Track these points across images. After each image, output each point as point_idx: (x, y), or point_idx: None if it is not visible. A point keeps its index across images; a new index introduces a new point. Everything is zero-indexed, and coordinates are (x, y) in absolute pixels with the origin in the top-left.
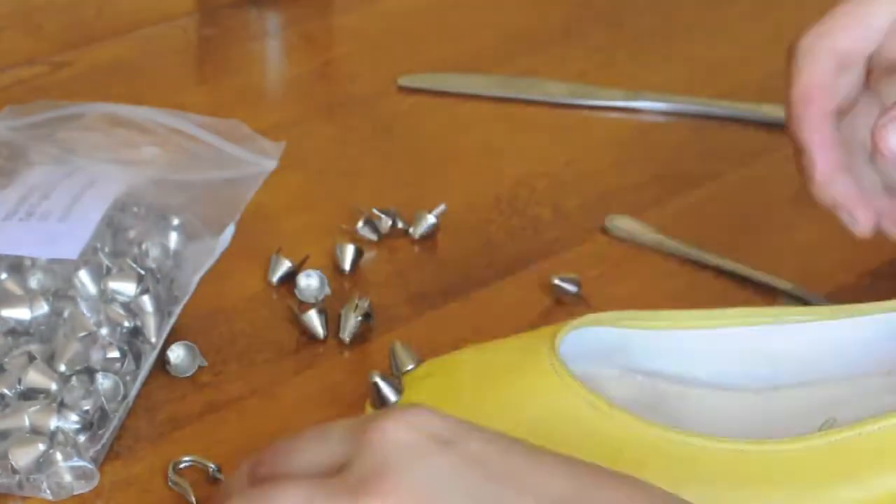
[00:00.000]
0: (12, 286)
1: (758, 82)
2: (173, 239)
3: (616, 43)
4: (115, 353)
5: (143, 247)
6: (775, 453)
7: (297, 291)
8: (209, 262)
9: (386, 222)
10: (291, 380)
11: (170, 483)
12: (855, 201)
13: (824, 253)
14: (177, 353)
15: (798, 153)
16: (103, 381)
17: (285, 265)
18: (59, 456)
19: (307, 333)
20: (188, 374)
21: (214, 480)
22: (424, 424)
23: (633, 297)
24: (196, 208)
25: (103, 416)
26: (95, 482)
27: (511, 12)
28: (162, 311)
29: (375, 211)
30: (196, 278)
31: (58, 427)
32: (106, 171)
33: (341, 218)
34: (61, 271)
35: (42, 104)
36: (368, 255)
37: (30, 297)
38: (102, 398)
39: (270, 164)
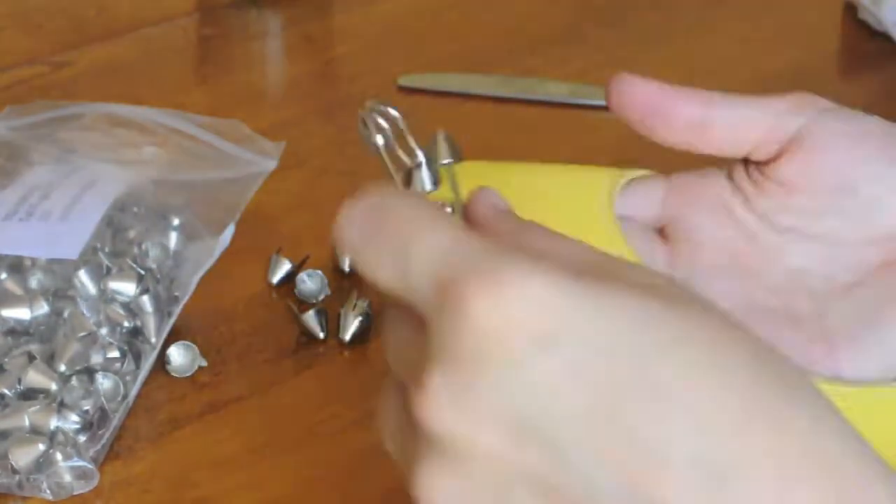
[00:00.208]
0: (12, 286)
1: (757, 82)
2: (173, 239)
3: (616, 43)
4: (115, 353)
5: (143, 247)
6: None
7: (297, 291)
8: (209, 262)
9: None
10: (291, 380)
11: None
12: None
13: None
14: (177, 353)
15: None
16: (103, 381)
17: (285, 265)
18: (59, 456)
19: (307, 333)
20: (188, 374)
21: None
22: (528, 310)
23: None
24: (196, 208)
25: (103, 416)
26: (95, 482)
27: (511, 12)
28: (162, 311)
29: None
30: (196, 278)
31: (58, 427)
32: (106, 171)
33: None
34: (61, 271)
35: (42, 104)
36: None
37: (30, 297)
38: (102, 398)
39: (270, 164)
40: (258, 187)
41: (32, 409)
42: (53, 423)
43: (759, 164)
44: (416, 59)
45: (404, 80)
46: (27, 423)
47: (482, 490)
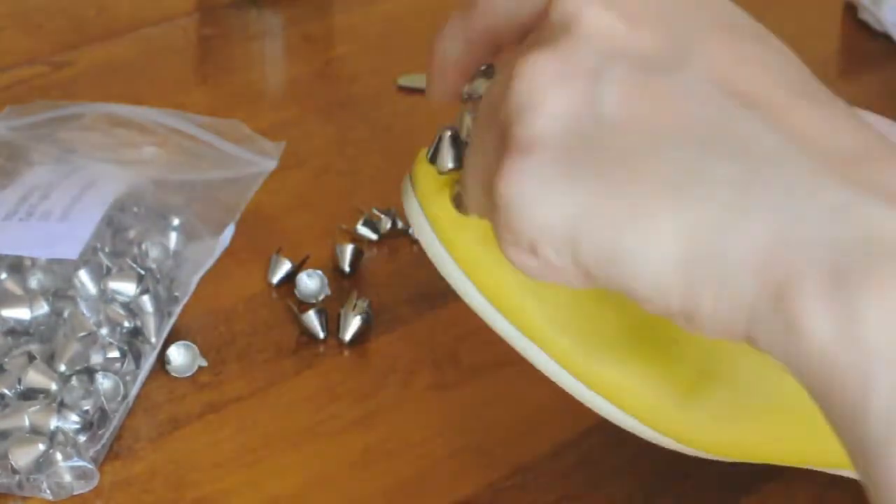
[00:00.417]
0: (12, 286)
1: None
2: (173, 239)
3: None
4: (115, 353)
5: (143, 247)
6: None
7: (297, 291)
8: (209, 262)
9: (386, 222)
10: (291, 380)
11: None
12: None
13: None
14: (177, 353)
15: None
16: (103, 381)
17: (285, 265)
18: (59, 456)
19: (307, 333)
20: (188, 374)
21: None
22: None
23: None
24: (196, 208)
25: (103, 416)
26: (95, 482)
27: None
28: (162, 311)
29: (375, 211)
30: (196, 278)
31: (58, 427)
32: (106, 171)
33: (341, 218)
34: (61, 271)
35: (42, 104)
36: (368, 255)
37: (30, 297)
38: (102, 398)
39: (270, 164)
40: (258, 187)
41: (32, 409)
42: (53, 423)
43: None
44: (416, 59)
45: (404, 80)
46: (27, 423)
47: (584, 63)
